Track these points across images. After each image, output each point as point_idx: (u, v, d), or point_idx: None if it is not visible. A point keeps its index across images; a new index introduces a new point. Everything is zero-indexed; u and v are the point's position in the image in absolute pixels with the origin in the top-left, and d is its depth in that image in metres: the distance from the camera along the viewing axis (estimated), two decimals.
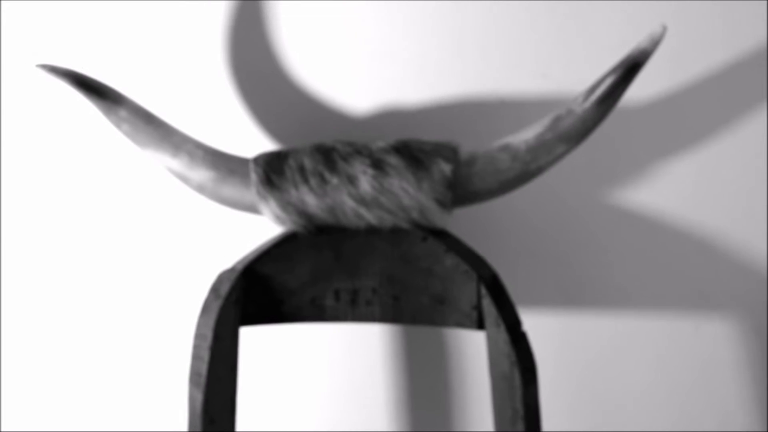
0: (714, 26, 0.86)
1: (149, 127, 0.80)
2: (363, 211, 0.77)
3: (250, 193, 0.79)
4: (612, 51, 0.82)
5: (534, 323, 0.88)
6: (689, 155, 0.88)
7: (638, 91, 0.86)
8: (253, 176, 0.78)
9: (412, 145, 0.78)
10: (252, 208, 0.80)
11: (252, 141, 0.90)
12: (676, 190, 0.89)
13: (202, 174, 0.80)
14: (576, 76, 0.86)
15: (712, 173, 0.89)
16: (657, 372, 0.93)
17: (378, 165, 0.77)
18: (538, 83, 0.87)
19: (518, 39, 0.87)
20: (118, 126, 0.81)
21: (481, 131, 0.88)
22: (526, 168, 0.77)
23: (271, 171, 0.78)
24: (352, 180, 0.77)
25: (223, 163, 0.80)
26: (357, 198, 0.77)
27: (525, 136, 0.77)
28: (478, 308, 0.77)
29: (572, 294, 0.92)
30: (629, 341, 0.92)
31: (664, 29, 0.73)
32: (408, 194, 0.76)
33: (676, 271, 0.90)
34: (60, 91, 0.90)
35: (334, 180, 0.77)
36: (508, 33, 0.87)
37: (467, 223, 0.89)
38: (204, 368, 0.77)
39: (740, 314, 0.91)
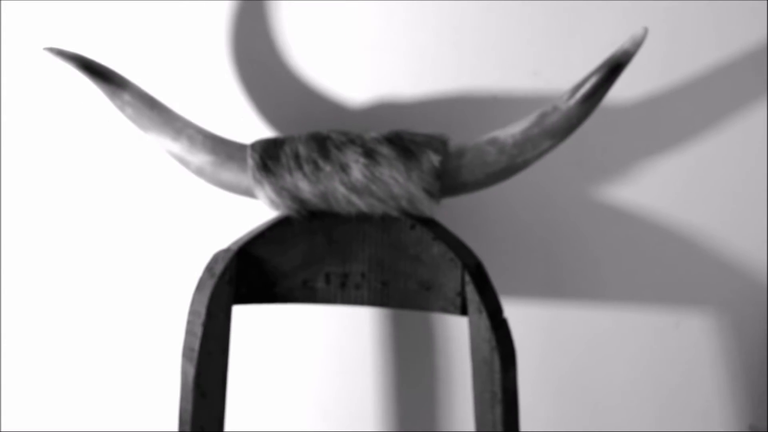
0: (704, 28, 0.87)
1: (152, 111, 0.81)
2: (354, 198, 0.78)
3: (247, 178, 0.80)
4: (602, 51, 0.83)
5: (517, 313, 0.89)
6: (675, 154, 0.89)
7: (627, 90, 0.87)
8: (250, 161, 0.79)
9: (404, 136, 0.79)
10: (248, 192, 0.81)
11: (251, 128, 0.91)
12: (660, 188, 0.90)
13: (201, 158, 0.81)
14: (566, 74, 0.87)
15: (696, 172, 0.90)
16: (638, 364, 0.94)
17: (370, 154, 0.78)
18: (530, 81, 0.88)
19: (513, 37, 0.88)
20: (121, 110, 0.82)
21: (474, 126, 0.89)
22: (513, 161, 0.79)
23: (267, 157, 0.79)
24: (344, 168, 0.78)
25: (222, 148, 0.81)
26: (349, 185, 0.78)
27: (512, 130, 0.79)
28: (462, 295, 0.78)
29: (555, 285, 0.93)
30: (611, 333, 0.93)
31: (646, 31, 0.74)
32: (398, 183, 0.78)
33: (657, 267, 0.92)
34: (65, 76, 0.91)
35: (327, 167, 0.78)
36: (503, 31, 0.88)
37: (455, 213, 0.90)
38: (197, 343, 0.78)
39: (719, 310, 0.92)
